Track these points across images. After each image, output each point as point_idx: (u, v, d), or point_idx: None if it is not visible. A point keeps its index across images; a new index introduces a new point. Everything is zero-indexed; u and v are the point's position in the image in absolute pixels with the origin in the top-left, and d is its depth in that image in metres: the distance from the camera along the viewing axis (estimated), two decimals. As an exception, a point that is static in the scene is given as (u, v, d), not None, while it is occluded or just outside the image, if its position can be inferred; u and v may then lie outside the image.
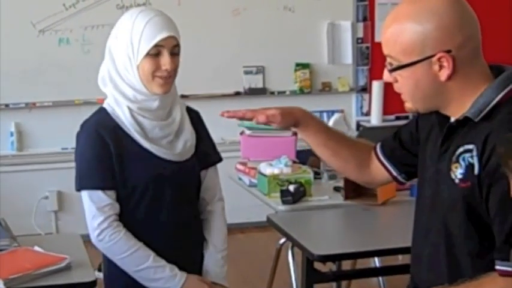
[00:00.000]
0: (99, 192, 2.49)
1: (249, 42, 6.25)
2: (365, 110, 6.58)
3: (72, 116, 5.89)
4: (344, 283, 4.40)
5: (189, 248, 2.65)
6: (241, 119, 2.31)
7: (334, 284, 4.29)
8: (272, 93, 6.36)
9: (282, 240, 4.05)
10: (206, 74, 5.89)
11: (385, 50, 1.96)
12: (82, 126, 2.55)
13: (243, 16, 6.21)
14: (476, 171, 1.86)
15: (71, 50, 5.94)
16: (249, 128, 4.13)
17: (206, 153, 2.67)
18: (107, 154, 2.48)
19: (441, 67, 1.88)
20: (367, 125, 6.43)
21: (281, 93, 6.36)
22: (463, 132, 1.92)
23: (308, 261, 3.05)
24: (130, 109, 2.50)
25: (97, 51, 5.78)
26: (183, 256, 2.60)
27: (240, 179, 3.97)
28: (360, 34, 6.49)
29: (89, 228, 2.52)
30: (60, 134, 5.93)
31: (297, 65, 6.37)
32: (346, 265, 4.16)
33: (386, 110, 6.42)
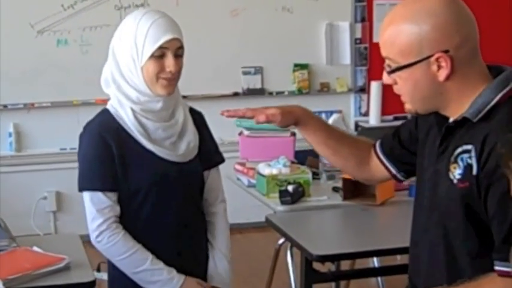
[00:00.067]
0: (100, 194, 2.50)
1: (247, 42, 6.25)
2: (363, 110, 6.59)
3: (71, 117, 5.92)
4: (343, 283, 4.40)
5: (194, 249, 2.65)
6: (242, 117, 2.32)
7: (333, 284, 4.29)
8: (270, 93, 6.36)
9: (281, 241, 4.05)
10: (205, 75, 5.90)
11: (383, 52, 1.96)
12: (85, 127, 2.56)
13: (241, 17, 6.22)
14: (474, 171, 1.87)
15: (69, 50, 5.94)
16: (248, 129, 4.13)
17: (209, 153, 2.68)
18: (109, 156, 2.48)
19: (439, 67, 1.89)
20: (365, 125, 6.44)
21: (279, 93, 6.36)
22: (462, 132, 1.93)
23: (307, 262, 3.06)
24: (133, 110, 2.50)
25: (95, 52, 5.86)
26: (187, 256, 2.61)
27: (238, 179, 3.97)
28: (358, 35, 6.49)
29: (88, 229, 2.53)
30: (59, 135, 5.94)
31: (296, 65, 6.37)
32: (345, 265, 4.16)
33: (384, 111, 6.43)
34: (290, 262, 3.79)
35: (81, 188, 2.54)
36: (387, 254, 3.24)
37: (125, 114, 2.51)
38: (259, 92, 6.30)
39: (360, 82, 6.56)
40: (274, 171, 3.66)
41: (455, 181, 1.91)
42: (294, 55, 6.34)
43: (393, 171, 2.28)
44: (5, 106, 5.89)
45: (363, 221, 3.41)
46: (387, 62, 1.95)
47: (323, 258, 3.02)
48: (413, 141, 2.19)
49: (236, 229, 5.72)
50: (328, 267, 3.47)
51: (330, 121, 4.57)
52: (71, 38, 5.93)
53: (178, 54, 2.48)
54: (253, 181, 3.80)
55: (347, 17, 6.44)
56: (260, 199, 3.69)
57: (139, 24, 2.44)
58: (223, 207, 2.75)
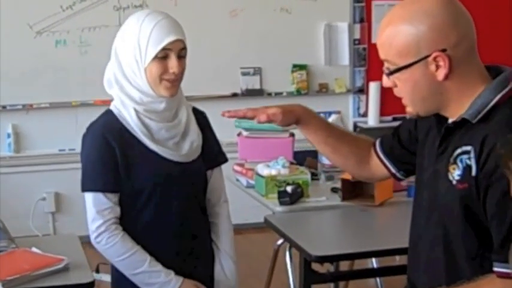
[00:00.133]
0: (101, 195, 2.51)
1: (246, 43, 6.25)
2: (362, 111, 6.59)
3: (70, 118, 5.92)
4: (342, 284, 4.40)
5: (197, 249, 2.65)
6: (242, 118, 2.32)
7: (331, 285, 4.29)
8: (269, 94, 6.36)
9: (280, 241, 4.05)
10: (203, 75, 5.89)
11: (382, 55, 1.96)
12: (88, 128, 2.56)
13: (240, 17, 6.22)
14: (473, 173, 1.87)
15: (68, 51, 5.94)
16: (246, 129, 4.13)
17: (212, 153, 2.68)
18: (112, 157, 2.49)
19: (438, 67, 1.89)
20: (364, 126, 6.44)
21: (278, 94, 6.36)
22: (461, 133, 1.93)
23: (306, 262, 3.06)
24: (136, 111, 2.50)
25: (94, 52, 5.86)
26: (191, 257, 2.61)
27: (237, 180, 3.97)
28: (357, 35, 6.49)
29: (88, 230, 2.54)
30: (58, 136, 5.94)
31: (294, 66, 6.38)
32: (344, 266, 4.16)
33: (383, 111, 6.43)
34: (289, 263, 3.79)
35: (83, 189, 2.54)
36: (386, 254, 3.24)
37: (128, 114, 2.51)
38: (258, 93, 6.30)
39: (359, 83, 6.56)
40: (273, 172, 3.66)
41: (454, 182, 1.91)
42: (292, 56, 6.34)
43: (393, 170, 2.29)
44: (4, 107, 5.88)
45: (362, 222, 3.41)
46: (386, 64, 1.96)
47: (322, 259, 3.02)
48: (412, 142, 2.19)
49: (235, 230, 5.67)
50: (327, 267, 3.47)
51: (329, 122, 4.57)
52: (69, 38, 5.93)
53: (182, 55, 2.48)
54: (252, 182, 3.80)
55: (346, 17, 6.44)
56: (259, 200, 3.69)
57: (142, 25, 2.44)
58: (226, 207, 2.75)
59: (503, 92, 1.91)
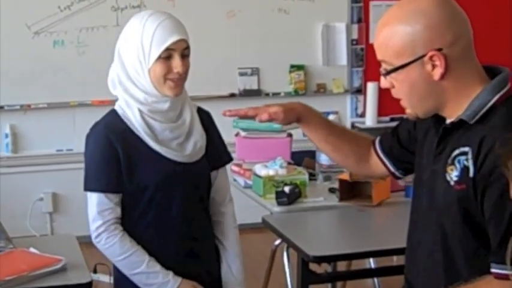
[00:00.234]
0: (102, 196, 2.51)
1: (243, 43, 6.25)
2: (360, 111, 6.59)
3: (67, 118, 5.92)
4: (339, 284, 4.40)
5: (200, 250, 2.65)
6: (243, 117, 2.32)
7: (329, 285, 4.29)
8: (267, 94, 6.36)
9: (277, 242, 4.05)
10: (201, 76, 5.87)
11: (379, 55, 1.97)
12: (92, 128, 2.56)
13: (237, 18, 6.22)
14: (471, 173, 1.87)
15: (65, 51, 5.93)
16: (244, 130, 4.13)
17: (217, 153, 2.68)
18: (114, 158, 2.49)
19: (434, 66, 1.89)
20: (362, 126, 6.44)
21: (276, 94, 6.36)
22: (459, 134, 1.93)
23: (303, 262, 3.06)
24: (140, 111, 2.50)
25: (92, 53, 5.86)
26: (194, 257, 2.61)
27: (235, 180, 3.96)
28: (355, 36, 6.49)
29: (89, 229, 2.55)
30: (55, 136, 5.93)
31: (292, 66, 6.38)
32: (341, 266, 4.16)
33: (381, 112, 6.43)
34: (286, 263, 3.79)
35: (86, 188, 2.56)
36: (383, 254, 3.24)
37: (132, 115, 2.51)
38: (256, 93, 6.30)
39: (356, 83, 6.56)
40: (271, 172, 3.66)
41: (452, 183, 1.91)
42: (290, 56, 6.34)
43: (392, 169, 2.30)
44: (2, 107, 5.87)
45: (359, 222, 3.41)
46: (383, 65, 1.96)
47: (319, 259, 3.02)
48: (412, 141, 2.20)
49: (233, 230, 5.72)
50: (324, 268, 3.47)
51: (327, 122, 4.56)
52: (67, 39, 5.92)
53: (185, 55, 2.48)
54: (250, 182, 3.81)
55: (343, 18, 6.44)
56: (257, 200, 3.69)
57: (145, 26, 2.44)
58: (231, 206, 2.76)
59: (501, 93, 1.91)
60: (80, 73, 5.89)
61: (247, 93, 6.27)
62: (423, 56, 1.89)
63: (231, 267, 2.71)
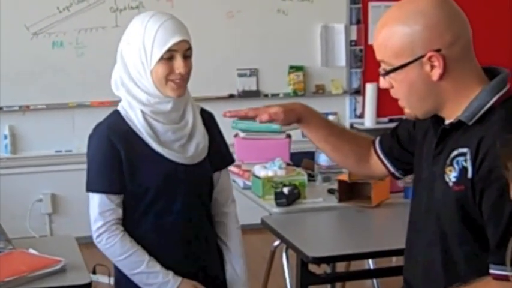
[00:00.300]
0: (104, 197, 2.52)
1: (242, 44, 6.25)
2: (358, 112, 6.59)
3: (66, 119, 5.92)
4: (338, 285, 4.40)
5: (202, 251, 2.65)
6: (243, 118, 2.32)
7: (328, 286, 4.30)
8: (266, 95, 6.36)
9: (276, 243, 4.05)
10: (200, 77, 5.81)
11: (378, 56, 1.97)
12: (94, 128, 2.56)
13: (236, 19, 6.22)
14: (469, 174, 1.87)
15: (64, 52, 5.93)
16: (243, 131, 4.12)
17: (219, 154, 2.68)
18: (116, 159, 2.49)
19: (432, 67, 1.89)
20: (360, 127, 6.44)
21: (275, 95, 6.36)
22: (457, 135, 1.93)
23: (302, 263, 3.06)
24: (143, 112, 2.50)
25: (91, 54, 5.86)
26: (196, 258, 2.62)
27: (234, 181, 3.96)
28: (353, 37, 6.50)
29: (91, 229, 2.56)
30: (54, 137, 5.94)
31: (291, 67, 6.38)
32: (340, 267, 4.16)
33: (379, 113, 6.43)
34: (286, 264, 3.79)
35: (88, 189, 2.56)
36: (382, 255, 3.25)
37: (134, 116, 2.51)
38: (255, 94, 6.30)
39: (355, 84, 6.57)
40: (270, 173, 3.66)
41: (450, 184, 1.91)
42: (289, 57, 6.34)
43: (392, 169, 2.31)
44: (1, 108, 5.87)
45: (358, 223, 3.41)
46: (382, 66, 1.96)
47: (318, 260, 3.02)
48: (411, 142, 2.20)
49: (232, 231, 5.72)
50: (323, 269, 3.48)
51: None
52: (66, 40, 5.92)
53: (187, 56, 2.48)
54: (249, 183, 3.81)
55: (342, 19, 6.45)
56: (256, 201, 3.69)
57: (147, 27, 2.43)
58: (234, 207, 2.76)
59: (500, 94, 1.91)
60: (79, 74, 5.90)
61: (246, 94, 6.27)
62: (422, 56, 1.89)
63: (235, 268, 2.71)
